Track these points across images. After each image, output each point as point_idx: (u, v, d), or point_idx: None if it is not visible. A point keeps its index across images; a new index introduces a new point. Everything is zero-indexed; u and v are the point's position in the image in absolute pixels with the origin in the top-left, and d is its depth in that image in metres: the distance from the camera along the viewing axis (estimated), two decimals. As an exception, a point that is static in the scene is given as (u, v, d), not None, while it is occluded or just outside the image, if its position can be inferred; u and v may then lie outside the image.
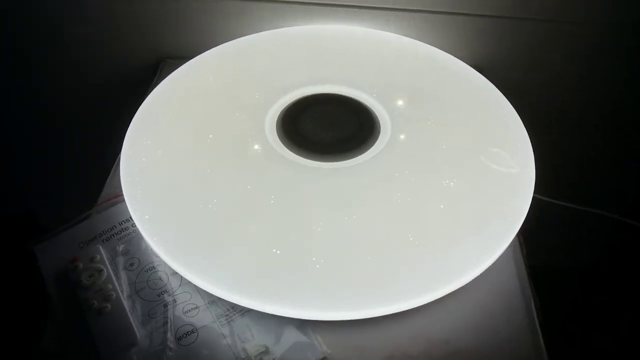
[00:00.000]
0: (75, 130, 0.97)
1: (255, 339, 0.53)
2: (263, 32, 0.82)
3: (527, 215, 0.58)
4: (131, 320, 0.53)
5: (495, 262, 0.60)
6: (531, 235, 0.63)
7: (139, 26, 0.87)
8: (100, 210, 0.65)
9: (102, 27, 0.88)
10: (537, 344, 0.54)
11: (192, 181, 0.60)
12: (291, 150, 0.62)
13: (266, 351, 0.52)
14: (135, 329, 0.53)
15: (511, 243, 0.61)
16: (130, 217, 0.63)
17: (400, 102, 0.68)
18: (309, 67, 0.75)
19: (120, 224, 0.63)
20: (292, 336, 0.53)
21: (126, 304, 0.55)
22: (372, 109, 0.68)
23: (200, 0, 0.83)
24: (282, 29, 0.83)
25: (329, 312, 0.50)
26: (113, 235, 0.62)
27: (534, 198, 0.59)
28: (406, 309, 0.51)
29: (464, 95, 0.71)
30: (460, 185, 0.59)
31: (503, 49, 0.83)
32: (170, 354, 0.51)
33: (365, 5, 0.82)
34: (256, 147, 0.63)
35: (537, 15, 0.80)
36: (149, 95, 0.70)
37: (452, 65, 0.75)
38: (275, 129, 0.65)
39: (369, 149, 0.63)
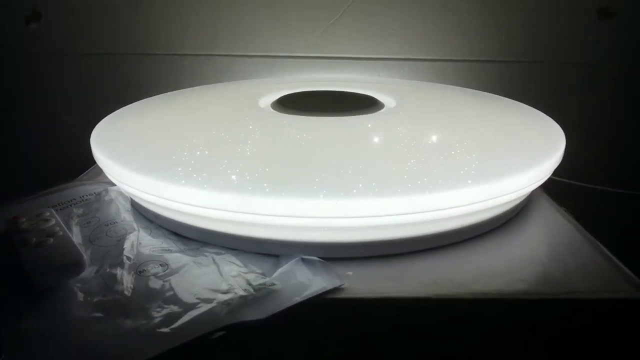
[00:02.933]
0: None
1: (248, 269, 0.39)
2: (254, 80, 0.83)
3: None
4: (78, 247, 0.39)
5: (541, 204, 0.52)
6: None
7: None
8: (61, 189, 0.54)
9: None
10: (618, 267, 0.41)
11: (174, 128, 0.52)
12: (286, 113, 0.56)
13: (261, 275, 0.38)
14: (83, 254, 0.38)
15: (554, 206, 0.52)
16: (95, 192, 0.53)
17: (406, 94, 0.65)
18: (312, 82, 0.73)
19: (82, 197, 0.52)
20: (297, 263, 0.39)
21: (75, 240, 0.41)
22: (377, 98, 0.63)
23: (191, 57, 0.85)
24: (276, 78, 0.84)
25: (351, 201, 0.38)
26: (71, 205, 0.50)
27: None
28: (442, 207, 0.40)
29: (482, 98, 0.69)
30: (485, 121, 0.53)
31: (489, 91, 0.84)
32: (125, 282, 0.36)
33: (354, 56, 0.85)
34: (248, 109, 0.57)
35: (523, 58, 0.83)
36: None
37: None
38: (269, 104, 0.59)
39: (373, 112, 0.57)
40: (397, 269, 0.40)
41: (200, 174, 0.41)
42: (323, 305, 0.36)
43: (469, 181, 0.40)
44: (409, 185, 0.39)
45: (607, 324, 0.37)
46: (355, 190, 0.38)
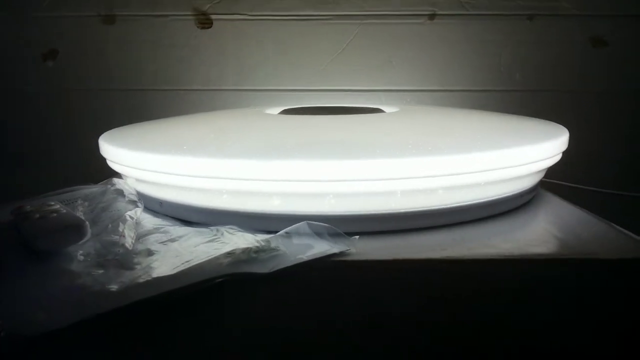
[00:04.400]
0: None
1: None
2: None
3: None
4: (81, 217, 0.39)
5: (550, 198, 0.52)
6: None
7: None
8: (68, 191, 0.54)
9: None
10: (634, 238, 0.40)
11: (179, 126, 0.53)
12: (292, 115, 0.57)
13: (266, 242, 0.37)
14: (85, 221, 0.38)
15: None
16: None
17: (408, 107, 0.66)
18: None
19: (88, 195, 0.52)
20: (303, 226, 0.38)
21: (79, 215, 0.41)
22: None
23: (199, 92, 0.88)
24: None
25: (354, 161, 0.37)
26: (77, 200, 0.50)
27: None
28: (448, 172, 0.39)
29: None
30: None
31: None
32: (126, 236, 0.36)
33: (357, 88, 0.87)
34: (255, 115, 0.58)
35: (520, 87, 0.86)
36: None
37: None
38: (276, 112, 0.61)
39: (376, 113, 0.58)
40: (406, 241, 0.39)
41: (206, 147, 0.41)
42: (329, 269, 0.35)
43: (474, 149, 0.40)
44: (414, 151, 0.39)
45: (623, 285, 0.36)
46: (357, 153, 0.38)
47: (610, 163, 0.86)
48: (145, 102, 0.88)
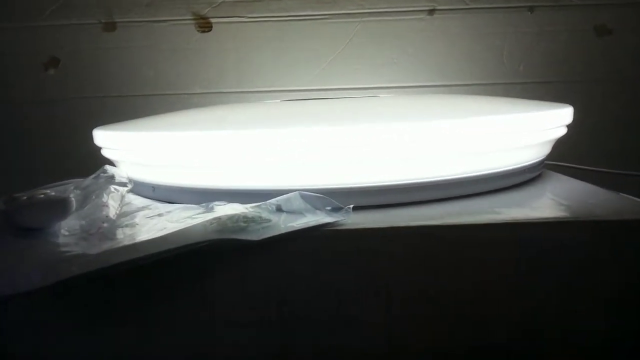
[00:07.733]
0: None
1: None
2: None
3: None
4: (69, 197, 0.38)
5: (556, 175, 0.50)
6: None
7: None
8: (62, 184, 0.53)
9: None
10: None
11: (174, 116, 0.52)
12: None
13: (257, 212, 0.35)
14: (71, 198, 0.37)
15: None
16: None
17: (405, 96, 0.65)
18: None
19: (79, 184, 0.51)
20: (295, 196, 0.36)
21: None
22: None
23: (199, 95, 0.88)
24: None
25: (346, 127, 0.36)
26: (67, 190, 0.49)
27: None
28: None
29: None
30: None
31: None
32: (110, 206, 0.34)
33: (358, 87, 0.86)
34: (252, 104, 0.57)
35: (525, 79, 0.84)
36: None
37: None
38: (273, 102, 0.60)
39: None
40: (403, 212, 0.38)
41: (196, 124, 0.40)
42: (322, 237, 0.34)
43: (474, 115, 0.39)
44: (412, 114, 0.38)
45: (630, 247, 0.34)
46: (351, 120, 0.37)
47: (616, 151, 0.84)
48: (147, 107, 0.88)
